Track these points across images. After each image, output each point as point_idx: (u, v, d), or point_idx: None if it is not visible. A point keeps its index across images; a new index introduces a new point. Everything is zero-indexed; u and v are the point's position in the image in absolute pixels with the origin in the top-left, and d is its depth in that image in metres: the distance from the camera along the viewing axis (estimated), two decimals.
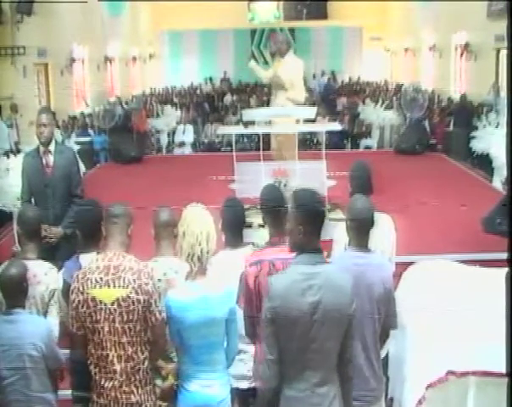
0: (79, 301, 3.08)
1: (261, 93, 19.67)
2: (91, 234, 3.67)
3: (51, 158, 5.08)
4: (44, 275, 3.77)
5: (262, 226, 3.53)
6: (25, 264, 3.66)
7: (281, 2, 25.86)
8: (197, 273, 3.23)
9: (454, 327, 3.81)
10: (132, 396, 3.11)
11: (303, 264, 2.83)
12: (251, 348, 3.51)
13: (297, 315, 2.76)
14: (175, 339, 3.26)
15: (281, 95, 7.29)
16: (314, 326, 2.76)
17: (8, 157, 8.83)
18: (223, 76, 24.08)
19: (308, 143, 13.41)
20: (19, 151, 9.75)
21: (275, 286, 2.82)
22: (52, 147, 5.09)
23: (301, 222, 2.84)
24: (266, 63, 25.71)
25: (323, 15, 25.27)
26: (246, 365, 3.59)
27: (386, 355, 3.83)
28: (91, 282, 3.06)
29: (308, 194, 2.91)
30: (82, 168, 8.61)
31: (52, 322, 3.72)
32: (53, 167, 5.06)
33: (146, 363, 3.14)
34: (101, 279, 3.05)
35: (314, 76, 23.95)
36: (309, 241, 2.85)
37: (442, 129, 13.36)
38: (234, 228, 3.79)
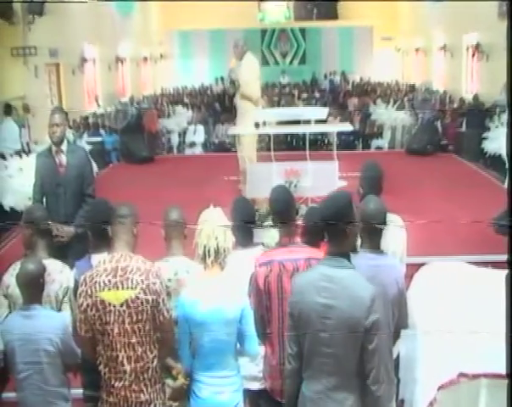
0: (87, 304, 3.08)
1: (271, 94, 19.70)
2: (101, 234, 3.68)
3: (63, 158, 5.09)
4: (59, 273, 3.83)
5: (273, 227, 3.53)
6: (42, 260, 3.70)
7: (292, 3, 25.83)
8: (213, 267, 3.22)
9: (466, 329, 3.78)
10: (142, 395, 3.12)
11: (324, 266, 2.86)
12: (262, 349, 3.51)
13: (310, 314, 2.79)
14: (185, 343, 3.25)
15: (238, 93, 7.60)
16: (328, 329, 2.76)
17: (20, 157, 8.90)
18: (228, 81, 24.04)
19: (319, 144, 13.40)
20: (30, 151, 9.81)
21: (297, 281, 2.92)
22: (64, 146, 5.11)
23: (328, 224, 2.85)
24: (277, 63, 25.79)
25: (333, 15, 25.21)
26: (257, 366, 3.58)
27: (397, 356, 3.81)
28: (100, 285, 3.06)
29: (339, 197, 2.93)
30: (95, 168, 8.66)
31: (67, 319, 3.75)
32: (66, 166, 5.08)
33: (155, 362, 3.15)
34: (109, 281, 3.06)
35: (325, 76, 23.91)
36: (336, 243, 2.86)
37: (454, 129, 13.29)
38: (244, 228, 3.78)
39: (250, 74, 7.59)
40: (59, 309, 3.82)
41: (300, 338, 2.84)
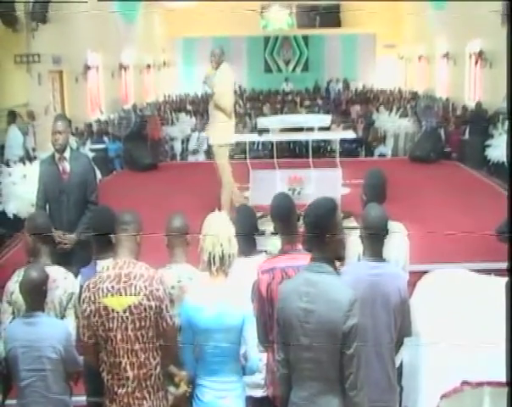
0: (91, 311, 3.09)
1: (274, 101, 19.74)
2: (105, 241, 3.69)
3: (67, 165, 5.12)
4: (63, 280, 3.84)
5: (275, 234, 3.54)
6: (45, 268, 3.71)
7: (295, 10, 25.91)
8: (218, 274, 3.23)
9: (469, 337, 3.78)
10: (144, 402, 3.12)
11: (307, 271, 2.89)
12: (265, 356, 3.51)
13: (292, 319, 2.83)
14: (189, 348, 3.26)
15: (212, 102, 7.47)
16: (308, 334, 2.79)
17: (24, 164, 8.93)
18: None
19: (322, 151, 13.42)
20: (35, 158, 9.83)
21: (282, 288, 2.97)
22: (67, 154, 5.14)
23: (309, 230, 2.89)
24: (280, 70, 25.86)
25: (336, 23, 25.28)
26: (260, 373, 3.57)
27: (401, 364, 3.81)
28: (103, 291, 3.08)
29: (321, 203, 2.96)
30: (98, 175, 8.68)
31: (71, 326, 3.76)
32: (70, 174, 5.11)
33: (158, 369, 3.16)
34: (112, 287, 3.07)
35: (328, 84, 23.95)
36: (318, 249, 2.88)
37: (458, 137, 13.29)
38: (247, 236, 3.79)
39: (225, 85, 7.44)
40: (63, 316, 3.82)
41: (286, 344, 2.88)
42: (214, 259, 3.21)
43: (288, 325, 2.86)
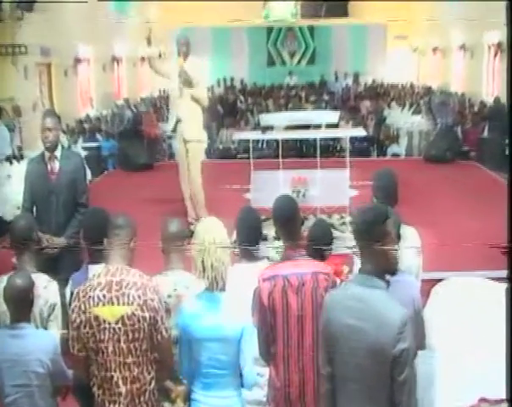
0: (81, 321, 3.08)
1: (278, 96, 19.75)
2: (96, 245, 3.69)
3: (56, 165, 5.13)
4: (43, 289, 3.78)
5: (277, 239, 3.54)
6: (31, 275, 3.69)
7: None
8: (214, 285, 3.24)
9: (486, 349, 3.78)
10: None
11: (355, 284, 2.85)
12: (267, 371, 3.52)
13: (337, 335, 2.79)
14: (185, 357, 3.27)
15: (187, 93, 7.37)
16: (354, 353, 2.75)
17: (10, 163, 8.94)
18: (230, 83, 23.97)
19: (330, 150, 13.40)
20: (22, 157, 9.83)
21: (328, 299, 2.93)
22: (58, 152, 5.14)
23: (357, 239, 2.86)
24: (283, 63, 25.86)
25: (344, 13, 25.27)
26: (262, 389, 3.57)
27: (414, 377, 3.80)
28: (94, 300, 3.06)
29: (371, 209, 2.94)
30: (89, 175, 8.69)
31: (58, 338, 3.74)
32: (58, 173, 5.11)
33: (152, 384, 3.15)
34: (104, 296, 3.06)
35: (336, 78, 23.95)
36: (367, 260, 2.84)
37: (476, 135, 13.27)
38: (250, 241, 3.79)
39: (201, 76, 7.54)
40: (44, 328, 3.79)
41: (331, 359, 2.85)
42: (205, 267, 3.22)
43: (334, 339, 2.83)
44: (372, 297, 2.76)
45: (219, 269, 3.23)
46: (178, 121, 7.49)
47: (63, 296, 3.91)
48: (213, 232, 3.28)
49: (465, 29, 18.39)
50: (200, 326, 3.17)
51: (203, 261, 3.22)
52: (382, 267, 2.83)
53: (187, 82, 7.30)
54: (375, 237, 2.79)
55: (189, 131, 7.52)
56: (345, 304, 2.81)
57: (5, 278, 3.76)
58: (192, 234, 3.43)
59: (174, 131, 7.73)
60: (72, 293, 3.62)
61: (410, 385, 2.73)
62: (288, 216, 3.42)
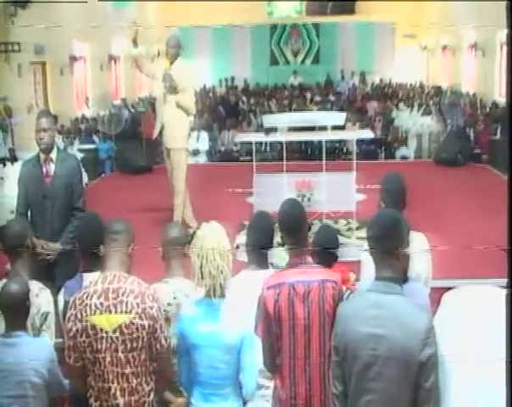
0: (77, 330, 3.08)
1: (281, 96, 19.76)
2: (92, 251, 3.70)
3: (52, 167, 5.13)
4: (35, 297, 3.78)
5: (282, 245, 3.54)
6: (27, 281, 3.69)
7: None
8: (212, 292, 3.24)
9: (499, 361, 3.76)
10: None
11: (373, 292, 2.85)
12: (271, 383, 3.51)
13: (358, 345, 2.78)
14: (184, 365, 3.27)
15: (171, 99, 7.24)
16: (377, 362, 2.75)
17: (4, 165, 8.94)
18: (230, 84, 23.93)
19: (336, 152, 13.41)
20: (15, 159, 9.83)
21: (341, 310, 2.92)
22: (53, 154, 5.15)
23: (373, 246, 2.87)
24: (287, 62, 25.86)
25: (350, 10, 25.20)
26: (268, 402, 3.56)
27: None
28: (90, 308, 3.07)
29: (387, 214, 2.97)
30: (85, 178, 8.70)
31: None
32: (53, 176, 5.11)
33: (151, 395, 3.16)
34: (101, 304, 3.06)
35: (342, 78, 23.94)
36: (385, 267, 2.85)
37: (488, 137, 13.26)
38: (260, 247, 3.76)
39: (185, 82, 7.32)
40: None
41: (346, 375, 2.83)
42: (203, 274, 3.22)
43: (351, 352, 2.80)
44: (394, 303, 2.79)
45: (218, 277, 3.23)
46: (162, 127, 7.38)
47: (55, 304, 3.92)
48: (212, 239, 3.28)
49: (477, 27, 18.37)
50: (198, 331, 3.18)
51: (201, 268, 3.23)
52: (399, 273, 2.89)
53: (171, 88, 7.15)
54: (393, 243, 2.83)
55: (172, 139, 7.42)
56: (364, 314, 2.80)
57: None
58: (191, 239, 3.44)
59: (160, 136, 7.59)
60: (65, 302, 3.64)
61: (437, 392, 2.77)
62: (295, 222, 3.40)
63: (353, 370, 2.81)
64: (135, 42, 7.39)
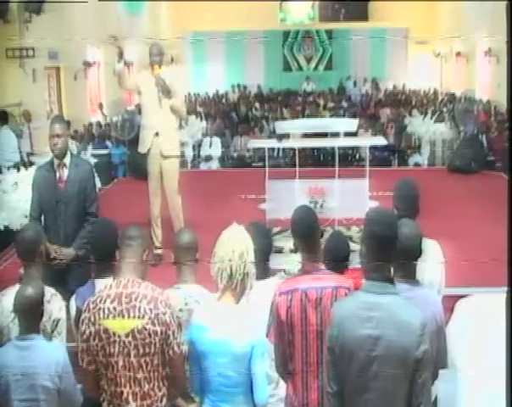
0: (90, 333, 3.11)
1: (294, 103, 19.78)
2: (105, 256, 3.72)
3: (65, 172, 5.17)
4: (47, 303, 3.77)
5: (294, 252, 3.54)
6: (42, 285, 3.71)
7: (317, 2, 25.90)
8: (225, 294, 3.23)
9: None
10: None
11: (366, 292, 2.87)
12: (278, 392, 3.51)
13: (354, 347, 2.80)
14: (196, 372, 3.28)
15: (166, 104, 7.08)
16: (374, 363, 2.78)
17: (18, 170, 9.00)
18: (242, 90, 23.94)
19: (349, 159, 13.40)
20: (31, 163, 9.87)
21: (336, 312, 2.93)
22: (67, 159, 5.18)
23: (367, 246, 2.88)
24: (300, 68, 25.89)
25: (363, 16, 25.24)
26: None
27: (435, 400, 3.79)
28: (104, 312, 3.09)
29: (381, 216, 2.95)
30: (98, 183, 8.73)
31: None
32: (67, 182, 5.14)
33: (164, 401, 3.16)
34: (114, 309, 3.08)
35: (354, 84, 23.93)
36: (377, 267, 2.86)
37: (502, 144, 13.19)
38: (258, 258, 3.74)
39: (176, 85, 7.19)
40: None
41: (341, 376, 2.85)
42: (221, 275, 3.20)
43: (347, 353, 2.83)
44: (387, 303, 2.81)
45: (235, 279, 3.20)
46: (156, 135, 7.15)
47: (67, 310, 3.94)
48: (234, 240, 3.25)
49: (490, 33, 18.31)
50: (208, 339, 3.16)
51: (219, 268, 3.21)
52: (391, 272, 2.91)
53: (166, 91, 7.03)
54: (385, 243, 2.85)
55: (168, 145, 7.21)
56: (358, 315, 2.82)
57: (9, 291, 3.81)
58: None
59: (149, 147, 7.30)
60: (77, 308, 3.67)
61: (429, 385, 2.81)
62: (308, 228, 3.42)
63: (349, 370, 2.83)
64: (120, 56, 7.26)
